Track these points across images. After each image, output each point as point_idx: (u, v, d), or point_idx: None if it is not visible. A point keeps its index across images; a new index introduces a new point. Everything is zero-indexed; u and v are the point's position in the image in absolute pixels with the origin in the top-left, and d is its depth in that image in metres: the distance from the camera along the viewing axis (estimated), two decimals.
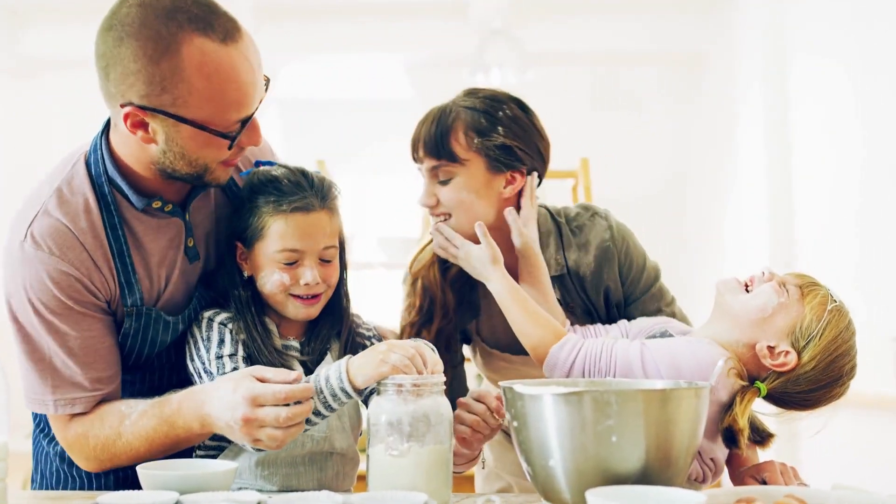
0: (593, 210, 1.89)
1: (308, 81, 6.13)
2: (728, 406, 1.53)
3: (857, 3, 4.41)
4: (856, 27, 4.38)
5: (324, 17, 5.58)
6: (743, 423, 1.50)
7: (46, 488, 1.69)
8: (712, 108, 5.61)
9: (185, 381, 1.60)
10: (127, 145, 1.53)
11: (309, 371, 1.54)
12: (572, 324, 1.79)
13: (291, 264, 1.59)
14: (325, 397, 1.45)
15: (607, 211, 1.90)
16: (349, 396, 1.46)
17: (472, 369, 2.09)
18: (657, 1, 5.60)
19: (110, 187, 1.55)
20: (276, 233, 1.58)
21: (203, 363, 1.56)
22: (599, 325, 1.80)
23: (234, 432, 1.42)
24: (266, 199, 1.59)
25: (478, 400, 1.59)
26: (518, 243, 1.77)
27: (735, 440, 1.51)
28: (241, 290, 1.62)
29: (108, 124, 1.58)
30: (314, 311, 1.63)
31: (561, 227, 1.87)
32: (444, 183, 1.76)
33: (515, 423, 1.37)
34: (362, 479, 1.48)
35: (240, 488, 1.56)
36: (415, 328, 1.84)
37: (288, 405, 1.38)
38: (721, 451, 1.61)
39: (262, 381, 1.41)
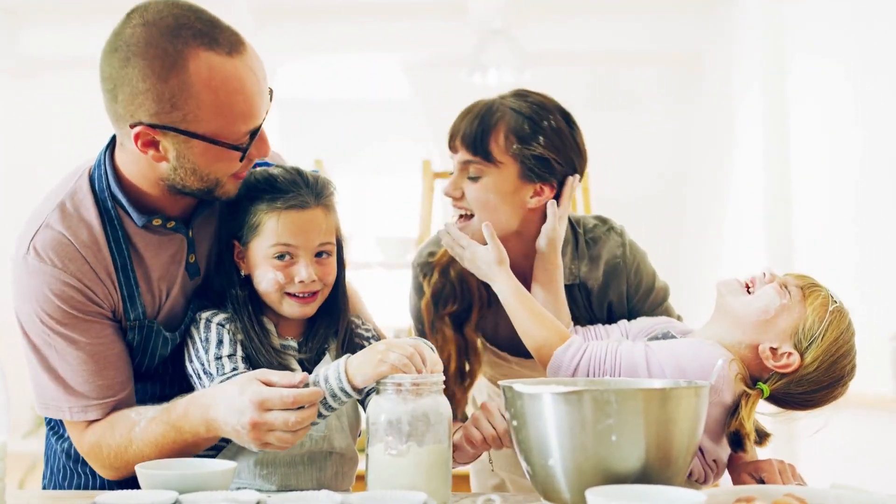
0: (610, 224, 1.89)
1: (306, 81, 6.12)
2: (733, 409, 1.53)
3: (857, 3, 4.41)
4: (855, 27, 4.38)
5: (322, 17, 5.57)
6: (749, 426, 1.50)
7: (54, 485, 1.70)
8: (712, 108, 5.60)
9: (189, 388, 1.59)
10: (135, 164, 1.53)
11: (307, 370, 1.54)
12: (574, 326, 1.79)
13: (284, 259, 1.58)
14: (324, 397, 1.45)
15: (623, 227, 1.89)
16: (349, 396, 1.45)
17: None
18: (657, 1, 5.59)
19: (113, 203, 1.55)
20: (271, 229, 1.58)
21: (202, 364, 1.56)
22: (601, 326, 1.80)
23: (242, 436, 1.42)
24: (262, 197, 1.59)
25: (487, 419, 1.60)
26: (545, 240, 1.75)
27: (742, 444, 1.52)
28: (238, 289, 1.62)
29: (112, 141, 1.57)
30: (310, 309, 1.62)
31: (578, 238, 1.86)
32: (474, 179, 1.74)
33: (515, 423, 1.37)
34: (361, 478, 1.48)
35: (239, 488, 1.56)
36: (442, 303, 1.84)
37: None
38: (724, 453, 1.61)
39: (267, 384, 1.41)
